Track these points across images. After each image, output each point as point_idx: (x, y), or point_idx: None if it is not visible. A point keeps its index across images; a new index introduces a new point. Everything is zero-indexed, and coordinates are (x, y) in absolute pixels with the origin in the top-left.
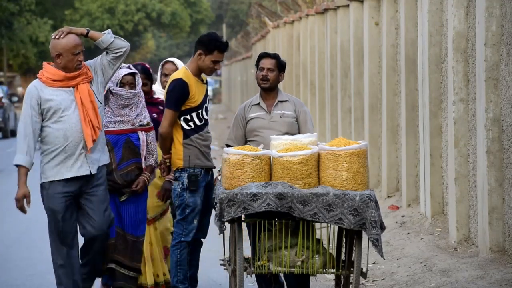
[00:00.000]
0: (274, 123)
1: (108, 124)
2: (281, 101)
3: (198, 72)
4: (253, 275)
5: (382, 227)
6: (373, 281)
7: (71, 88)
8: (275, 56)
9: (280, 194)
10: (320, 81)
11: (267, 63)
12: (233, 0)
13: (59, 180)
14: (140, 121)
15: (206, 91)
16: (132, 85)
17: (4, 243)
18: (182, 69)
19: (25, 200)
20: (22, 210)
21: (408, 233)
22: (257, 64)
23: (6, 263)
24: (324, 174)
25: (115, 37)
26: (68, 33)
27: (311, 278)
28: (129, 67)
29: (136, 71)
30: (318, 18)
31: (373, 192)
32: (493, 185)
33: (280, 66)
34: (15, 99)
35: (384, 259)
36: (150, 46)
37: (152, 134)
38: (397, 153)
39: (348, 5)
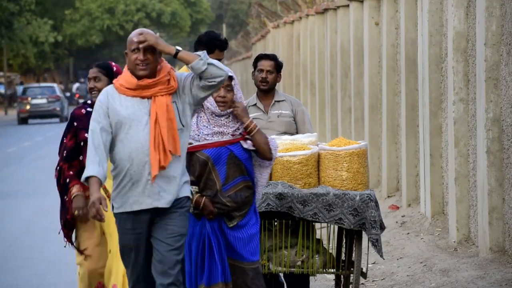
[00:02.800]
0: (272, 123)
1: (205, 136)
2: (278, 101)
3: None
4: None
5: (382, 227)
6: (373, 281)
7: (147, 99)
8: (273, 58)
9: (280, 194)
10: (320, 81)
11: (266, 65)
12: (233, 0)
13: (127, 213)
14: (238, 128)
15: None
16: (229, 88)
17: (4, 243)
18: (183, 69)
19: (100, 205)
20: (99, 215)
21: (408, 233)
22: (255, 65)
23: (7, 263)
24: (324, 174)
25: (209, 64)
26: (144, 41)
27: (311, 278)
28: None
29: (233, 74)
30: (318, 18)
31: (373, 192)
32: (493, 185)
33: (278, 68)
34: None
35: (384, 259)
36: None
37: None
38: (397, 153)
39: (348, 5)
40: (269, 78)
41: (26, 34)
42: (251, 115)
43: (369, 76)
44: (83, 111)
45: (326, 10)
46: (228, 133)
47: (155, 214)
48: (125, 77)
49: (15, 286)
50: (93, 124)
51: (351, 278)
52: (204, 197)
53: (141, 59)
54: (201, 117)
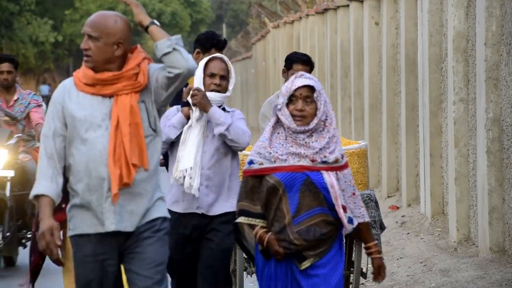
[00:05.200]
0: None
1: (279, 156)
2: None
3: None
4: (253, 275)
5: (382, 227)
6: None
7: (109, 99)
8: (309, 63)
9: None
10: (320, 81)
11: (300, 69)
12: (233, 0)
13: (87, 235)
14: (325, 156)
15: None
16: (308, 100)
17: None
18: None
19: (52, 236)
20: (50, 249)
21: (408, 233)
22: (289, 65)
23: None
24: None
25: (175, 49)
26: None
27: None
28: (302, 76)
29: (315, 84)
30: (318, 18)
31: (373, 192)
32: (493, 185)
33: (310, 71)
34: None
35: (384, 259)
36: (150, 46)
37: (347, 174)
38: (397, 153)
39: (348, 5)
40: None
41: (26, 34)
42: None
43: (369, 76)
44: None
45: (326, 10)
46: (307, 156)
47: (125, 239)
48: (83, 70)
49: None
50: (45, 128)
51: (351, 278)
52: (269, 234)
53: (82, 47)
54: (278, 133)
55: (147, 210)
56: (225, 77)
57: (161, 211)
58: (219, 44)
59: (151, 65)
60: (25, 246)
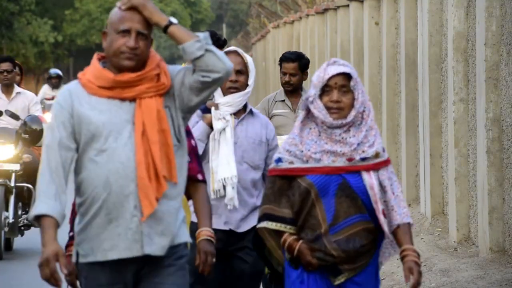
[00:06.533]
0: None
1: (311, 154)
2: None
3: None
4: None
5: None
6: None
7: (129, 102)
8: (296, 59)
9: None
10: None
11: (288, 67)
12: (233, 0)
13: (101, 264)
14: (363, 151)
15: None
16: (345, 89)
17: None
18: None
19: (57, 262)
20: (54, 279)
21: None
22: (280, 65)
23: (6, 263)
24: None
25: (207, 50)
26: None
27: None
28: (336, 63)
29: (351, 71)
30: (318, 18)
31: None
32: (493, 185)
33: (303, 67)
34: None
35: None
36: None
37: (389, 171)
38: (397, 153)
39: (348, 5)
40: (292, 80)
41: (26, 34)
42: (278, 111)
43: (369, 76)
44: None
45: (326, 10)
46: (343, 154)
47: (142, 266)
48: (96, 70)
49: (15, 286)
50: (48, 137)
51: None
52: (300, 242)
53: (131, 46)
54: (310, 129)
55: (174, 233)
56: (241, 72)
57: (185, 235)
58: (218, 43)
59: (170, 66)
60: (22, 234)
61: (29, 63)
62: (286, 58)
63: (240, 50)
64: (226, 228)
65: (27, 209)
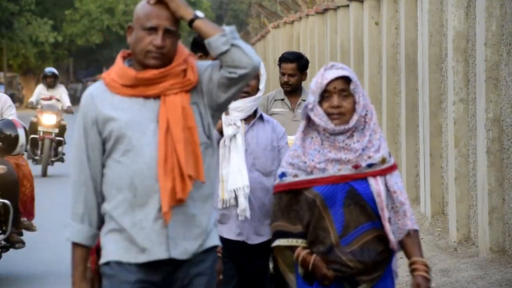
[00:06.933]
0: (296, 122)
1: (316, 165)
2: (305, 100)
3: None
4: None
5: None
6: None
7: (154, 100)
8: (295, 59)
9: None
10: None
11: (287, 68)
12: (233, 0)
13: (128, 264)
14: (369, 157)
15: None
16: (345, 94)
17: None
18: None
19: None
20: None
21: None
22: (279, 66)
23: (6, 263)
24: None
25: (233, 45)
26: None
27: None
28: (334, 67)
29: (350, 74)
30: (318, 18)
31: None
32: (493, 185)
33: (302, 68)
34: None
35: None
36: None
37: (397, 177)
38: (397, 153)
39: (348, 5)
40: (291, 81)
41: (26, 34)
42: (277, 109)
43: (369, 76)
44: None
45: (326, 10)
46: (349, 161)
47: (174, 269)
48: (119, 69)
49: (15, 286)
50: (75, 153)
51: None
52: (314, 255)
53: (158, 45)
54: (312, 138)
55: (204, 236)
56: None
57: (215, 239)
58: None
59: (198, 62)
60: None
61: (29, 63)
62: (285, 58)
63: None
64: (240, 239)
65: (3, 228)
